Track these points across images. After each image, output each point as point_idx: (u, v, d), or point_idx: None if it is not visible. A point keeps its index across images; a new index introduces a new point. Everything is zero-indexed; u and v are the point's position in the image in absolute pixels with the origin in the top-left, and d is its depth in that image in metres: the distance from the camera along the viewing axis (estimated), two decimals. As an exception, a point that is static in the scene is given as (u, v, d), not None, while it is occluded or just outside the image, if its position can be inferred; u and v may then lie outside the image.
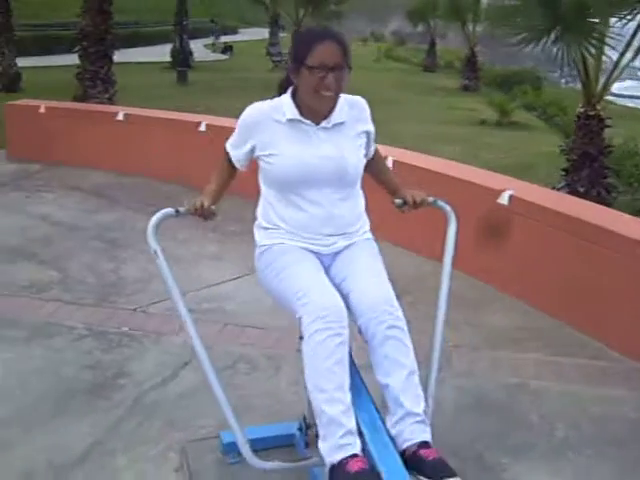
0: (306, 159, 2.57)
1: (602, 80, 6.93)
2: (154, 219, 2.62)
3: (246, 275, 4.98)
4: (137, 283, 4.96)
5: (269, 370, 3.84)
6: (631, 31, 6.54)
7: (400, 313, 2.51)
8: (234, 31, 56.38)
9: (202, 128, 7.53)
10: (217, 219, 2.70)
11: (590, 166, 6.93)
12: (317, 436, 2.40)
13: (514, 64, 31.49)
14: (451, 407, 3.53)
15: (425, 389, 2.59)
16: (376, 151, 2.92)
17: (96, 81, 11.86)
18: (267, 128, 2.61)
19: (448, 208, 2.90)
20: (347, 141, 2.65)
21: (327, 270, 2.67)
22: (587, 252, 4.39)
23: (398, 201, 2.84)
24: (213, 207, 2.65)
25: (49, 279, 5.00)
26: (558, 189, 6.92)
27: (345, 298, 2.54)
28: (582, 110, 6.94)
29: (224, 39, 42.29)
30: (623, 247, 4.17)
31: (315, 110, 2.58)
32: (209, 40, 41.18)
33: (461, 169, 5.92)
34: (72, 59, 12.97)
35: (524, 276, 4.86)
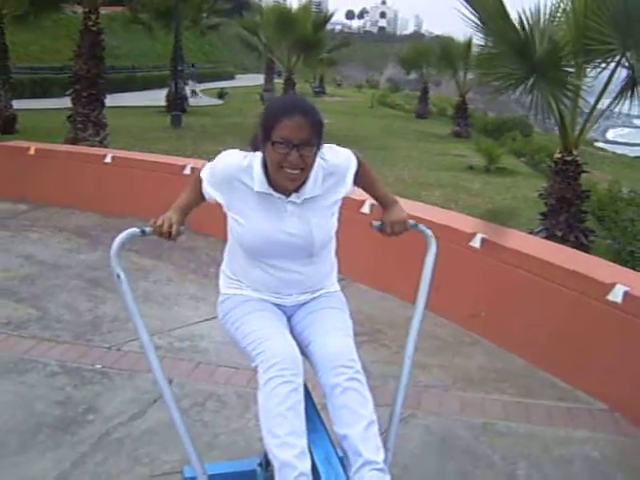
0: (272, 234, 2.50)
1: (579, 126, 7.08)
2: (118, 240, 2.51)
3: (222, 315, 5.05)
4: (114, 322, 5.02)
5: (238, 408, 3.88)
6: (605, 78, 6.70)
7: (359, 366, 2.47)
8: (231, 77, 57.17)
9: (187, 171, 7.65)
10: (181, 238, 2.59)
11: (568, 210, 7.05)
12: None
13: (507, 111, 31.98)
14: (416, 446, 3.58)
15: (386, 439, 2.57)
16: (360, 167, 2.69)
17: (87, 124, 12.06)
18: (237, 190, 2.51)
19: (429, 233, 2.81)
20: (318, 216, 2.54)
21: (289, 318, 2.67)
22: (556, 295, 4.47)
23: (376, 223, 2.71)
24: (182, 227, 2.54)
25: (27, 317, 5.05)
26: (536, 233, 7.02)
27: (305, 348, 2.55)
28: (559, 155, 7.08)
29: (222, 85, 42.83)
30: (591, 290, 4.25)
31: (283, 185, 2.46)
32: (205, 85, 41.72)
33: (438, 213, 6.03)
34: (67, 102, 13.19)
35: (495, 318, 4.94)
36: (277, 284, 2.62)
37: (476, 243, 5.03)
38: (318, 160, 2.48)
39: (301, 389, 2.40)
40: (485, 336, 4.97)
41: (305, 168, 2.39)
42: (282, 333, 2.52)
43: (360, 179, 2.69)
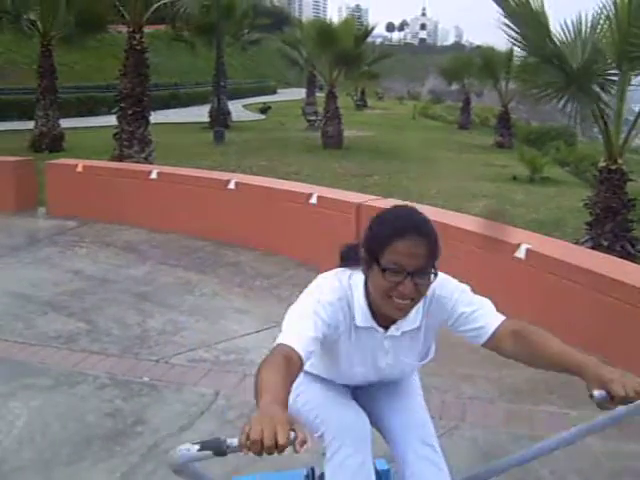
0: (362, 376, 2.30)
1: (623, 134, 7.01)
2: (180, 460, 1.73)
3: (268, 328, 5.10)
4: (162, 335, 5.11)
5: (284, 420, 3.91)
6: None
7: (435, 434, 2.29)
8: (273, 91, 57.62)
9: (231, 186, 7.75)
10: None
11: (613, 219, 6.97)
12: None
13: (550, 120, 31.66)
14: (462, 459, 3.56)
15: None
16: (504, 326, 2.16)
17: (132, 141, 12.28)
18: (338, 325, 2.12)
19: None
20: (411, 353, 2.27)
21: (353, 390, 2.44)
22: (603, 305, 4.42)
23: (598, 394, 1.79)
24: (291, 433, 1.51)
25: (77, 330, 5.16)
26: (582, 243, 6.95)
27: (373, 416, 2.35)
28: (604, 164, 7.01)
29: (264, 99, 43.14)
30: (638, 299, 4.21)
31: (387, 315, 2.13)
32: (247, 100, 42.03)
33: (481, 224, 6.01)
34: (113, 120, 13.45)
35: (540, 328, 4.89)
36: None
37: (521, 254, 5.00)
38: None
39: (371, 461, 2.21)
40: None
41: (418, 298, 2.04)
42: (347, 398, 2.34)
43: (511, 346, 2.13)
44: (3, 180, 9.22)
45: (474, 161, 19.71)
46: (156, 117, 15.42)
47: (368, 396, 2.42)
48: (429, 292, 2.10)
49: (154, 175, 8.60)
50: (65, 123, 18.60)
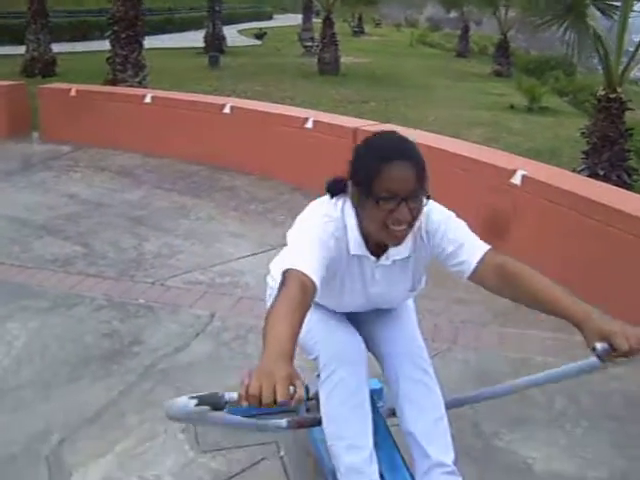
0: (351, 301, 2.29)
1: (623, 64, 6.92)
2: (172, 415, 1.74)
3: (263, 252, 5.14)
4: (157, 258, 5.13)
5: (279, 341, 3.96)
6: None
7: (428, 357, 2.32)
8: (269, 17, 56.51)
9: (227, 110, 7.67)
10: None
11: (610, 149, 6.95)
12: (318, 402, 2.28)
13: (550, 50, 31.19)
14: (454, 379, 3.62)
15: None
16: (488, 256, 2.13)
17: (126, 65, 12.06)
18: (332, 252, 2.07)
19: None
20: (402, 281, 2.26)
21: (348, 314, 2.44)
22: (597, 233, 4.44)
23: (600, 347, 1.76)
24: (291, 388, 1.50)
25: (74, 254, 5.19)
26: (578, 172, 6.95)
27: (368, 341, 2.35)
28: (603, 93, 6.95)
29: (260, 25, 42.31)
30: (634, 228, 4.22)
31: (382, 244, 2.13)
32: (242, 26, 41.23)
33: (478, 150, 5.99)
34: (105, 45, 13.20)
35: (535, 254, 4.92)
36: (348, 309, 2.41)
37: (517, 180, 4.99)
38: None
39: (365, 383, 2.22)
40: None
41: (414, 222, 2.02)
42: (343, 321, 2.35)
43: (494, 277, 2.11)
44: (-5, 105, 9.11)
45: (472, 89, 19.46)
46: (151, 42, 15.11)
47: (363, 321, 2.43)
48: (432, 220, 2.12)
49: (148, 99, 8.50)
50: (58, 48, 18.25)
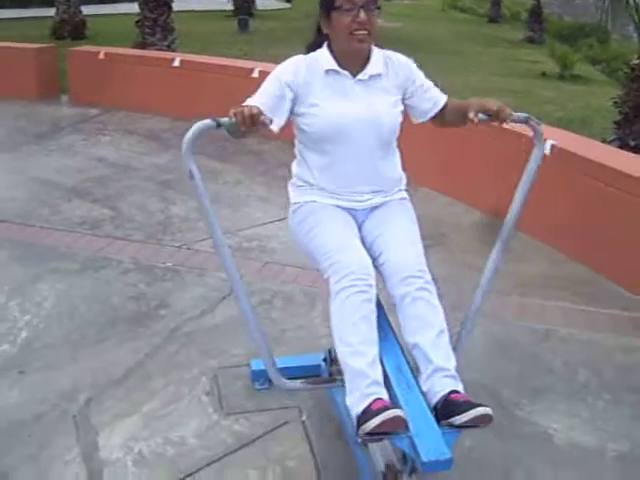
0: (342, 114, 2.51)
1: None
2: (190, 134, 2.31)
3: (289, 218, 5.15)
4: (184, 222, 5.17)
5: (304, 306, 4.00)
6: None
7: (429, 276, 2.48)
8: (298, -21, 55.89)
9: (255, 74, 7.64)
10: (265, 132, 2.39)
11: (643, 119, 6.82)
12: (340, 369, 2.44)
13: (585, 16, 30.55)
14: (475, 348, 3.63)
15: (457, 342, 2.64)
16: (447, 102, 2.72)
17: (155, 28, 12.01)
18: (307, 79, 2.54)
19: (540, 129, 2.63)
20: (382, 96, 2.58)
21: (360, 226, 2.67)
22: (627, 205, 4.39)
23: (482, 116, 2.41)
24: (268, 117, 2.30)
25: (101, 217, 5.25)
26: (609, 142, 6.83)
27: (376, 258, 2.55)
28: (637, 62, 6.81)
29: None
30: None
31: (353, 55, 2.52)
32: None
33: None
34: (135, 7, 13.16)
35: (559, 225, 4.89)
36: (348, 180, 2.61)
37: (546, 150, 4.93)
38: (380, 51, 2.61)
39: (373, 299, 2.40)
40: (550, 243, 4.94)
41: (372, 30, 2.46)
42: (354, 244, 2.52)
43: (449, 114, 2.70)
44: (25, 67, 9.13)
45: (503, 56, 19.17)
46: (179, 4, 15.04)
47: (370, 235, 2.63)
48: (391, 55, 2.63)
49: (177, 63, 8.49)
50: (87, 10, 18.21)
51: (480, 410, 2.17)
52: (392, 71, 2.62)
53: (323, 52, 2.58)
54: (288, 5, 33.84)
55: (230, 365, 3.37)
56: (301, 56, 2.61)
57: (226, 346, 3.53)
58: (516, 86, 13.25)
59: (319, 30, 2.62)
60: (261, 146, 7.07)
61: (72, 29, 16.72)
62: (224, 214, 5.33)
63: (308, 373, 3.11)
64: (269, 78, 2.58)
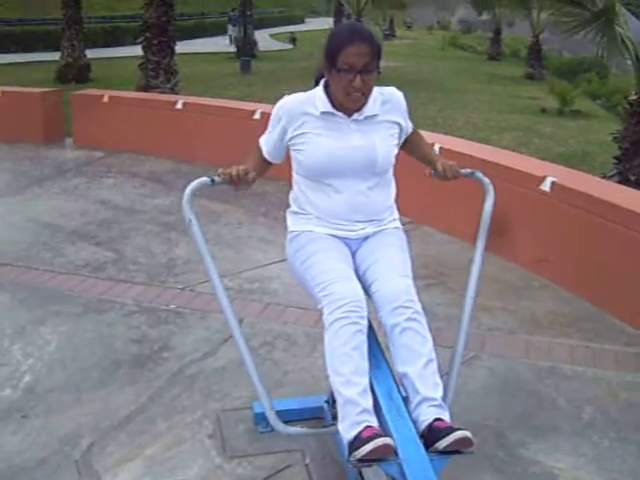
0: (337, 150, 2.62)
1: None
2: (188, 190, 2.65)
3: (291, 258, 5.17)
4: (187, 264, 5.19)
5: (306, 347, 4.00)
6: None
7: (419, 307, 2.55)
8: (301, 21, 56.69)
9: (257, 116, 7.72)
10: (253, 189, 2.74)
11: (643, 155, 6.86)
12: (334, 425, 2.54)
13: (584, 52, 30.87)
14: (479, 387, 3.63)
15: (448, 379, 2.68)
16: (414, 131, 2.92)
17: (158, 71, 12.21)
18: (300, 118, 2.66)
19: (486, 180, 2.90)
20: (378, 131, 2.69)
21: (354, 254, 2.75)
22: (628, 240, 4.40)
23: (434, 173, 2.78)
24: (253, 174, 2.64)
25: (104, 259, 5.26)
26: (609, 177, 6.88)
27: (368, 287, 2.64)
28: (635, 97, 6.87)
29: (291, 29, 42.43)
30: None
31: (346, 107, 2.64)
32: (274, 30, 41.28)
33: (507, 156, 5.96)
34: (138, 50, 13.35)
35: (564, 262, 4.90)
36: (343, 210, 2.70)
37: (546, 187, 4.97)
38: (376, 89, 2.66)
39: (365, 330, 2.49)
40: (553, 280, 4.94)
41: (367, 91, 2.57)
42: (348, 275, 2.60)
43: (411, 143, 2.91)
44: (31, 111, 9.26)
45: (503, 93, 19.38)
46: (182, 47, 15.28)
47: (364, 265, 2.71)
48: (385, 92, 2.72)
49: (180, 105, 8.59)
50: (91, 54, 18.52)
51: (458, 434, 2.26)
52: (387, 110, 2.72)
53: (319, 93, 2.68)
54: (290, 46, 34.31)
55: (233, 408, 3.36)
56: (296, 96, 2.72)
57: (229, 389, 3.52)
58: (516, 122, 13.38)
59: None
60: (263, 187, 7.10)
61: (77, 73, 16.99)
62: (226, 255, 5.35)
63: (310, 415, 3.12)
64: (271, 120, 2.76)
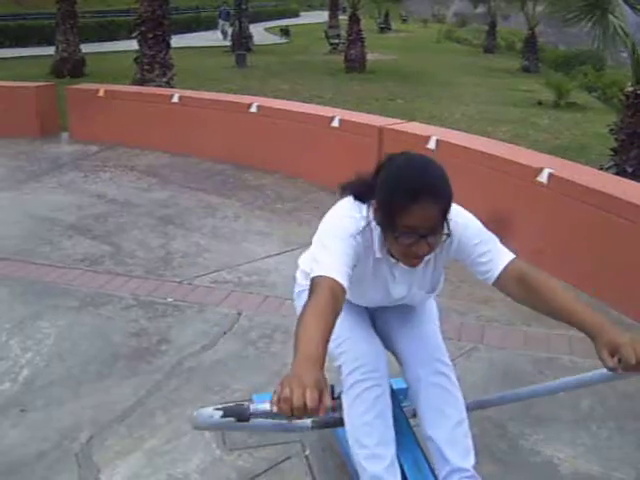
0: (374, 298, 2.35)
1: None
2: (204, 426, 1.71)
3: (289, 251, 5.17)
4: (185, 257, 5.18)
5: (305, 340, 3.99)
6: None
7: (448, 360, 2.33)
8: (295, 14, 56.56)
9: (253, 109, 7.71)
10: None
11: (639, 146, 6.86)
12: (339, 400, 2.33)
13: (579, 44, 30.88)
14: (478, 378, 3.63)
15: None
16: (514, 266, 2.12)
17: (154, 65, 12.17)
18: (358, 252, 2.08)
19: None
20: (423, 280, 2.29)
21: (372, 314, 2.51)
22: (624, 231, 4.41)
23: (609, 362, 1.76)
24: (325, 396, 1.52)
25: (102, 253, 5.25)
26: (606, 169, 6.88)
27: (388, 342, 2.42)
28: (631, 89, 6.87)
29: (286, 23, 42.31)
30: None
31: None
32: (269, 24, 41.20)
33: (504, 148, 5.96)
34: (133, 44, 13.32)
35: (562, 253, 4.90)
36: (376, 303, 2.44)
37: (543, 178, 4.97)
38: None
39: (387, 392, 2.27)
40: (550, 272, 4.93)
41: (429, 253, 2.05)
42: (366, 330, 2.38)
43: (518, 287, 2.09)
44: (26, 106, 9.23)
45: (499, 85, 19.36)
46: (177, 41, 15.24)
47: (385, 320, 2.46)
48: (457, 228, 2.09)
49: (175, 99, 8.57)
50: (86, 48, 18.43)
51: None
52: (443, 253, 2.19)
53: (377, 237, 2.13)
54: (285, 40, 34.25)
55: (232, 401, 3.35)
56: (357, 224, 2.09)
57: (228, 381, 3.52)
58: (512, 115, 13.38)
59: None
60: (260, 180, 7.12)
61: (71, 67, 16.93)
62: (223, 249, 5.35)
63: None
64: (336, 241, 2.04)
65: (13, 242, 5.44)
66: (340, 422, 2.33)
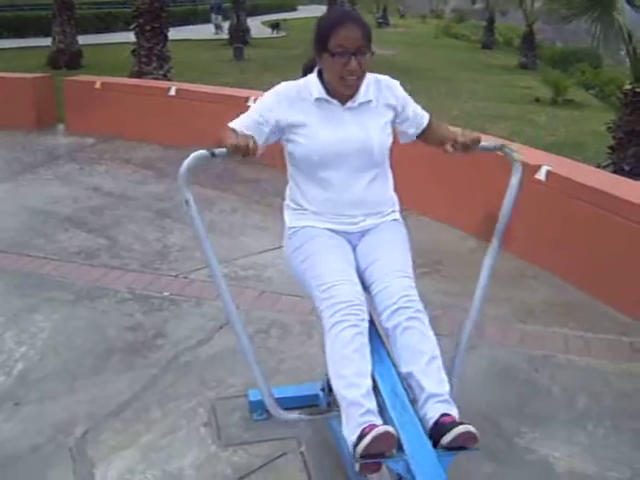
0: (331, 141, 2.55)
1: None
2: (185, 164, 2.37)
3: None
4: (181, 251, 5.17)
5: (301, 335, 3.99)
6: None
7: (420, 305, 2.51)
8: (293, 8, 56.45)
9: (250, 103, 7.68)
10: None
11: (637, 144, 6.87)
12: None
13: (577, 42, 30.88)
14: (474, 376, 3.61)
15: (451, 368, 2.63)
16: (430, 121, 2.80)
17: (151, 58, 12.14)
18: (295, 106, 2.57)
19: (515, 156, 2.69)
20: (373, 120, 2.62)
21: (354, 249, 2.70)
22: (622, 229, 4.40)
23: (452, 145, 2.52)
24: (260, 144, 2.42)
25: (97, 246, 5.23)
26: (603, 167, 6.87)
27: (368, 287, 2.59)
28: (629, 87, 6.87)
29: (283, 16, 42.22)
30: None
31: (340, 93, 2.57)
32: (267, 17, 41.10)
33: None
34: (130, 36, 13.27)
35: (558, 251, 4.89)
36: (339, 203, 2.64)
37: (541, 176, 4.96)
38: (370, 75, 2.61)
39: (366, 332, 2.44)
40: (548, 269, 4.94)
41: (362, 75, 2.52)
42: (349, 277, 2.53)
43: (432, 134, 2.77)
44: (22, 97, 9.20)
45: (496, 82, 19.36)
46: (175, 33, 15.18)
47: (363, 257, 2.67)
48: (380, 77, 2.67)
49: (172, 92, 8.54)
50: (83, 40, 18.38)
51: (460, 428, 2.21)
52: (382, 95, 2.66)
53: (313, 80, 2.60)
54: (283, 33, 34.18)
55: (228, 396, 3.35)
56: (291, 83, 2.64)
57: (224, 376, 3.50)
58: (510, 112, 13.37)
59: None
60: (257, 174, 7.09)
61: (68, 59, 16.86)
62: (220, 242, 5.32)
63: (306, 403, 3.11)
64: (257, 104, 2.63)
65: (8, 234, 5.41)
66: (335, 412, 2.53)
